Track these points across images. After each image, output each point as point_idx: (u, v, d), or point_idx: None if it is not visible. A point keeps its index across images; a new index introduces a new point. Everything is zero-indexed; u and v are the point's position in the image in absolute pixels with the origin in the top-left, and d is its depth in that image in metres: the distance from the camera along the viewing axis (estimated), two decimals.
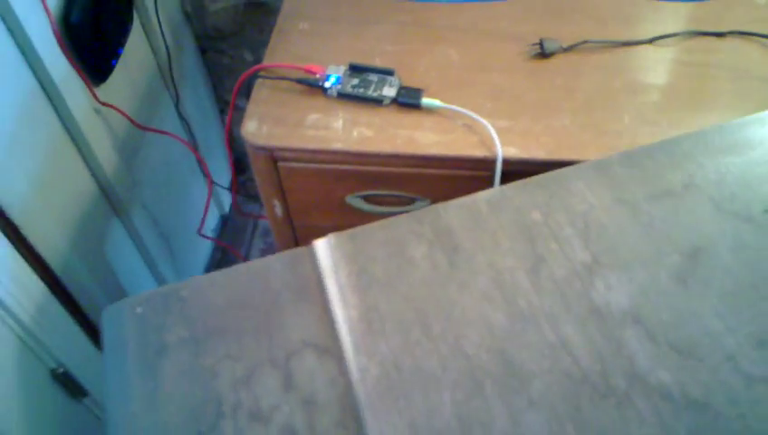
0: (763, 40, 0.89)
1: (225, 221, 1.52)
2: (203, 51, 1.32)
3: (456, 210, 0.54)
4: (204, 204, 1.24)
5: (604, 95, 0.84)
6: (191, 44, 1.28)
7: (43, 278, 0.88)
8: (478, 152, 0.80)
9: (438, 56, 0.91)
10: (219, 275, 0.52)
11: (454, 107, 0.83)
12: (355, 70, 0.87)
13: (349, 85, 0.85)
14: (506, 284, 0.50)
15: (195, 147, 1.28)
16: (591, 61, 0.89)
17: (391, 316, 0.49)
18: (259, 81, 0.88)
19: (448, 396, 0.45)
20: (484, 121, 0.81)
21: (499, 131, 0.80)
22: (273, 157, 0.83)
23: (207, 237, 1.28)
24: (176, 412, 0.46)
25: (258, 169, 0.85)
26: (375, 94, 0.84)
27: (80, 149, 0.96)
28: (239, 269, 0.52)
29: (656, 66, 0.87)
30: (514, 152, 0.79)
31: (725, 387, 0.45)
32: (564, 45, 0.89)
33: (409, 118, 0.84)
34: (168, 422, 0.45)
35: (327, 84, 0.85)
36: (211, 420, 0.45)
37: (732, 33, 0.90)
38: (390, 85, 0.85)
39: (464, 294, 0.50)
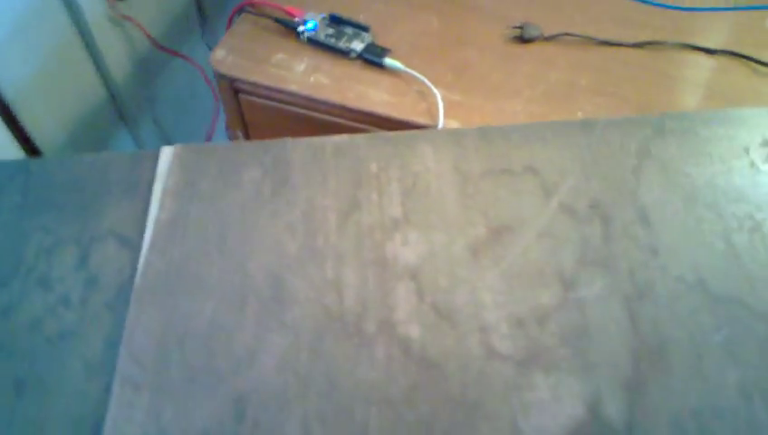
0: (755, 65, 0.84)
1: None
2: None
3: (302, 147, 0.57)
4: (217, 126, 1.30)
5: (566, 90, 0.83)
6: None
7: None
8: (421, 119, 0.81)
9: (420, 22, 0.92)
10: (69, 160, 0.56)
11: (413, 72, 0.84)
12: (333, 20, 0.90)
13: (323, 33, 0.88)
14: (314, 220, 0.52)
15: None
16: (567, 54, 0.87)
17: (196, 227, 0.52)
18: (243, 15, 0.92)
19: (211, 305, 0.48)
20: (436, 91, 0.82)
21: (449, 104, 0.81)
22: (234, 87, 0.87)
23: None
24: None
25: (222, 96, 0.90)
26: (343, 46, 0.87)
27: (90, 53, 1.02)
28: (87, 158, 0.57)
29: (629, 71, 0.85)
30: (455, 126, 0.80)
31: (463, 354, 0.45)
32: (546, 34, 0.88)
33: (370, 75, 0.85)
34: None
35: (301, 28, 0.88)
36: (3, 276, 0.50)
37: (724, 52, 0.86)
38: (362, 41, 0.87)
39: (271, 222, 0.52)
